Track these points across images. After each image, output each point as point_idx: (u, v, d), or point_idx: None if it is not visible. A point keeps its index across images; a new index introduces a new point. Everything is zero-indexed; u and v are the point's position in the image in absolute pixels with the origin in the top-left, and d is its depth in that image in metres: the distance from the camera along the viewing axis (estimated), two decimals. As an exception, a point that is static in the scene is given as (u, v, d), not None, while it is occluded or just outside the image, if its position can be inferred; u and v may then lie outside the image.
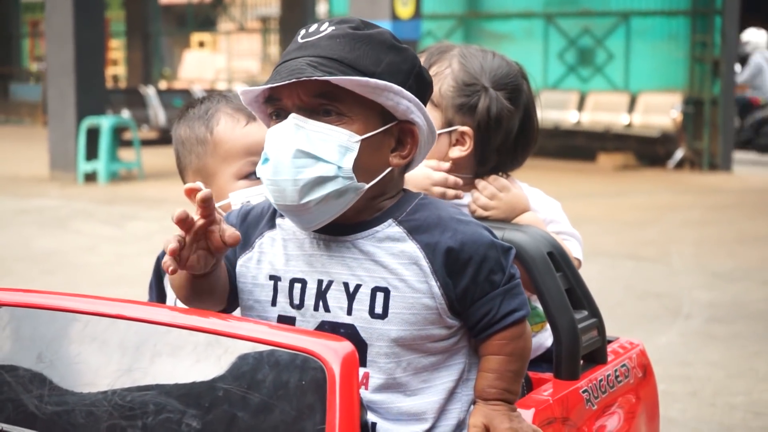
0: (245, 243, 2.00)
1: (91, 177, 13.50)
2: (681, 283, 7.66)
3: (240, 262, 2.01)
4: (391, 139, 1.93)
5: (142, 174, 13.86)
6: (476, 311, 1.93)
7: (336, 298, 1.93)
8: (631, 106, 16.08)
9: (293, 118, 1.87)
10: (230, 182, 2.36)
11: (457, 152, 2.36)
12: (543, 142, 16.26)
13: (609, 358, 2.49)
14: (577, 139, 16.49)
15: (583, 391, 2.31)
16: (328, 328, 1.93)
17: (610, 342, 2.61)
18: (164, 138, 18.45)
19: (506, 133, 2.38)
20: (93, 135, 13.43)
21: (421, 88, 1.95)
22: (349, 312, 1.92)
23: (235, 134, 2.38)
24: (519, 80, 2.43)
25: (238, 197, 2.32)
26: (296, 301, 1.96)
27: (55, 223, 10.16)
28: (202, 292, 1.94)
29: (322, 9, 22.52)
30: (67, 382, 1.84)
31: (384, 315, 1.91)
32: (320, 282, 1.94)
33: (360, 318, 1.92)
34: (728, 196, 12.68)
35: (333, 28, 1.90)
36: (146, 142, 16.63)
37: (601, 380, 2.41)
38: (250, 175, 2.34)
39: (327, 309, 1.94)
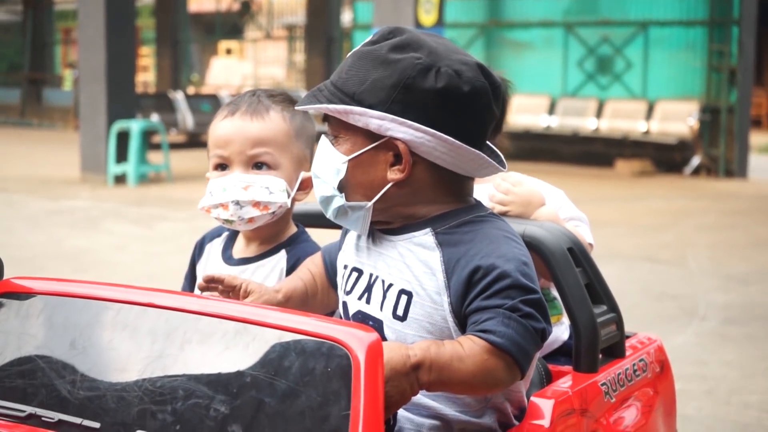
0: (343, 237, 2.14)
1: (120, 179, 13.68)
2: (696, 285, 7.72)
3: (339, 254, 2.14)
4: (389, 155, 1.92)
5: (170, 176, 14.03)
6: (467, 320, 1.87)
7: (377, 292, 1.98)
8: (649, 114, 16.16)
9: (322, 138, 2.00)
10: (210, 173, 2.43)
11: None
12: (562, 148, 16.51)
13: (627, 353, 2.50)
14: (595, 146, 16.57)
15: (602, 384, 2.32)
16: (361, 317, 1.99)
17: (628, 337, 2.61)
18: (192, 141, 18.72)
19: None
20: (123, 138, 13.63)
21: (413, 99, 1.88)
22: (381, 308, 1.96)
23: (213, 128, 2.43)
24: None
25: (207, 188, 2.39)
26: (348, 288, 2.04)
27: (86, 224, 10.31)
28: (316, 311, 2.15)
29: (347, 17, 22.75)
30: (98, 368, 1.87)
31: (404, 318, 1.93)
32: (371, 275, 2.00)
33: (386, 316, 1.95)
34: (743, 202, 12.75)
35: (364, 43, 1.97)
36: (174, 146, 16.80)
37: (619, 374, 2.41)
38: (217, 168, 2.40)
39: (368, 301, 1.99)
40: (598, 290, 2.38)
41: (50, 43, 28.23)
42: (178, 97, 18.58)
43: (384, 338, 1.91)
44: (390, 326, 1.94)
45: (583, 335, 2.29)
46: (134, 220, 10.62)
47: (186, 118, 18.17)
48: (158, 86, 24.92)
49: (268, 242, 2.45)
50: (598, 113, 16.76)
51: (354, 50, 1.96)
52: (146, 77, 28.82)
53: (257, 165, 2.37)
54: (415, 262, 1.93)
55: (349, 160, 1.93)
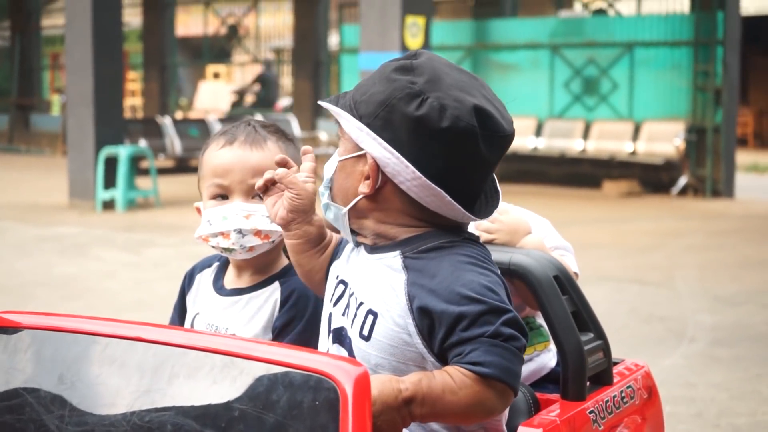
0: (340, 245, 2.18)
1: (109, 205, 13.65)
2: (685, 306, 7.74)
3: (334, 263, 2.16)
4: (365, 168, 1.95)
5: (158, 202, 14.00)
6: (448, 354, 1.87)
7: (351, 309, 2.00)
8: (636, 135, 16.19)
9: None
10: (205, 202, 2.44)
11: None
12: (549, 170, 16.56)
13: (615, 380, 2.51)
14: (582, 167, 16.60)
15: (590, 412, 2.33)
16: (344, 334, 2.01)
17: (615, 364, 2.63)
18: (180, 167, 18.69)
19: None
20: (111, 164, 13.61)
21: (392, 120, 1.90)
22: (352, 325, 1.99)
23: (209, 157, 2.43)
24: None
25: (205, 217, 2.40)
26: (335, 299, 2.07)
27: (74, 250, 10.29)
28: (306, 271, 2.19)
29: (333, 41, 22.83)
30: (87, 403, 1.87)
31: (368, 338, 1.94)
32: (350, 290, 2.04)
33: (354, 334, 1.97)
34: (731, 222, 12.78)
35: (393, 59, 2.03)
36: (163, 171, 16.76)
37: (607, 401, 2.43)
38: (216, 197, 2.41)
39: (345, 314, 2.02)
40: (584, 318, 2.40)
41: (38, 68, 28.22)
42: (166, 122, 18.57)
43: (353, 357, 1.95)
44: (357, 345, 1.96)
45: (570, 363, 2.31)
46: (123, 247, 10.61)
47: (174, 143, 18.15)
48: (146, 111, 24.94)
49: (261, 272, 2.45)
50: (585, 134, 16.79)
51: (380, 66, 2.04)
52: (134, 102, 28.82)
53: (258, 195, 2.37)
54: (383, 283, 1.95)
55: (339, 162, 2.01)
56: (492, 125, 1.91)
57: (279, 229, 2.35)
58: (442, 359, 1.89)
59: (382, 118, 1.90)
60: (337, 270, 2.12)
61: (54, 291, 8.24)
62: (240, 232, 2.36)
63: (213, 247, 2.41)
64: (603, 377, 2.46)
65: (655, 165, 15.82)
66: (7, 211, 13.29)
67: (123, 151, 13.71)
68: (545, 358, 2.59)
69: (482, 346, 1.81)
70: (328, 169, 2.05)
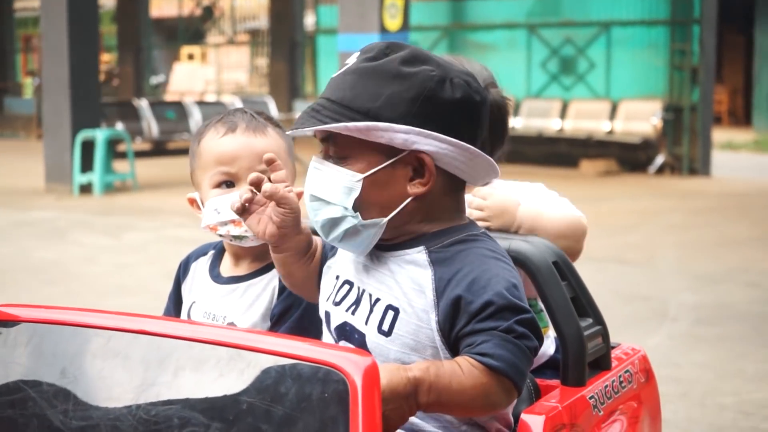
0: (334, 248, 2.12)
1: (86, 188, 13.63)
2: (666, 286, 7.77)
3: (329, 262, 2.12)
4: (407, 169, 1.92)
5: (136, 185, 13.97)
6: (460, 343, 1.87)
7: (364, 306, 1.98)
8: (613, 114, 16.27)
9: (312, 161, 1.96)
10: (207, 191, 2.41)
11: None
12: (526, 149, 16.60)
13: (613, 365, 2.51)
14: (560, 146, 16.64)
15: (590, 398, 2.33)
16: (348, 329, 1.99)
17: (612, 348, 2.62)
18: (157, 149, 18.65)
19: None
20: (88, 147, 13.58)
21: (434, 111, 1.89)
22: (366, 322, 1.96)
23: (210, 145, 2.41)
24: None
25: (211, 206, 2.38)
26: (338, 299, 2.03)
27: (53, 235, 10.26)
28: (299, 281, 2.12)
29: (309, 21, 22.75)
30: (91, 397, 1.85)
31: (388, 333, 1.93)
32: (359, 288, 2.00)
33: (371, 330, 1.95)
34: (708, 200, 12.86)
35: (354, 60, 1.95)
36: (140, 154, 16.76)
37: (606, 386, 2.42)
38: (221, 184, 2.39)
39: (354, 313, 1.99)
40: (583, 303, 2.40)
41: (11, 51, 27.99)
42: (143, 104, 18.49)
43: (367, 352, 1.89)
44: (374, 341, 1.94)
45: (570, 349, 2.30)
46: (102, 231, 10.57)
47: (151, 125, 18.09)
48: (121, 93, 24.79)
49: (259, 260, 2.44)
50: (562, 114, 16.85)
51: (350, 68, 1.94)
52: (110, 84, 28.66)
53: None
54: (406, 279, 1.93)
55: (365, 178, 1.91)
56: (485, 90, 2.02)
57: None
58: (455, 351, 1.89)
59: (421, 113, 1.88)
60: (336, 270, 2.09)
61: (34, 276, 8.21)
62: None
63: (221, 235, 2.39)
64: (602, 362, 2.46)
65: (633, 144, 15.89)
66: (-17, 196, 13.22)
67: (100, 135, 13.67)
68: (545, 345, 2.58)
69: (494, 339, 1.81)
70: (339, 193, 1.93)
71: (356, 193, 1.91)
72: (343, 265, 2.07)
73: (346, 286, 2.03)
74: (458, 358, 1.83)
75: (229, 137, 2.39)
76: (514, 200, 2.47)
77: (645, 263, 8.69)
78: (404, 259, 1.95)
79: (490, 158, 1.96)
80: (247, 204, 2.04)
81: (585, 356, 2.32)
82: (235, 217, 2.32)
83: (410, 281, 1.93)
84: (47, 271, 8.44)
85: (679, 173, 15.54)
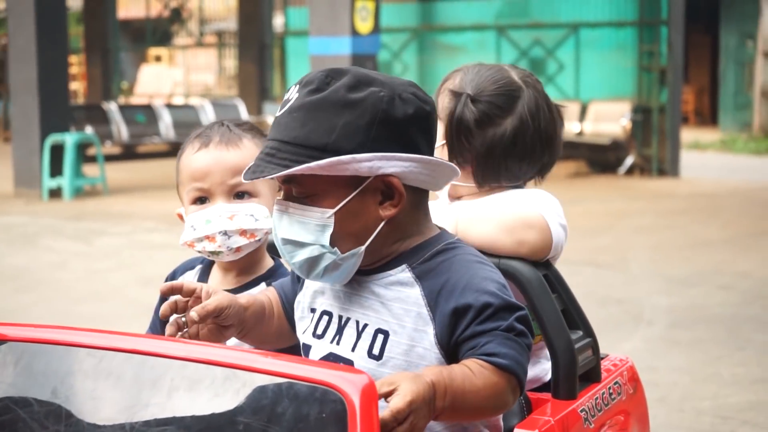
0: (299, 280, 2.10)
1: (56, 193, 13.55)
2: (640, 289, 7.78)
3: (297, 297, 2.09)
4: (376, 194, 1.90)
5: (106, 189, 13.90)
6: (461, 347, 1.88)
7: (349, 333, 1.96)
8: (582, 115, 16.32)
9: (276, 204, 1.94)
10: (187, 207, 2.41)
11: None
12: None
13: (602, 376, 2.50)
14: (529, 147, 16.84)
15: (581, 411, 2.32)
16: (332, 359, 1.97)
17: (601, 359, 2.59)
18: (127, 153, 18.56)
19: (487, 139, 2.32)
20: (57, 151, 13.50)
21: (391, 132, 1.88)
22: (353, 349, 1.95)
23: (186, 161, 2.41)
24: (513, 87, 2.35)
25: (188, 222, 2.38)
26: (319, 332, 2.01)
27: (23, 240, 10.18)
28: (273, 339, 2.09)
29: (278, 23, 22.69)
30: (83, 417, 1.82)
31: (379, 357, 1.92)
32: (341, 317, 1.98)
33: (360, 356, 1.94)
34: (678, 202, 12.92)
35: (296, 96, 1.91)
36: (110, 158, 16.67)
37: (596, 398, 2.42)
38: (196, 201, 2.39)
39: (338, 343, 1.97)
40: (573, 315, 2.40)
41: (-22, 53, 27.74)
42: (112, 107, 18.39)
43: None
44: (363, 366, 1.92)
45: (561, 362, 2.30)
46: (73, 236, 10.50)
47: (120, 129, 17.99)
48: (89, 96, 24.63)
49: (246, 273, 2.44)
50: (532, 115, 16.92)
51: (295, 104, 1.89)
52: (76, 87, 28.46)
53: (238, 194, 2.37)
54: (394, 301, 1.93)
55: (336, 213, 1.89)
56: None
57: (264, 226, 2.34)
58: (453, 357, 1.89)
59: (378, 138, 1.86)
60: (309, 303, 2.06)
61: (5, 283, 8.14)
62: (225, 233, 2.34)
63: (199, 252, 2.39)
64: (592, 375, 2.46)
65: (602, 145, 15.95)
66: (-50, 201, 13.13)
67: (69, 139, 13.61)
68: (542, 371, 2.52)
69: (497, 339, 1.84)
70: (313, 232, 1.91)
71: (330, 229, 1.89)
72: (317, 296, 2.05)
73: (326, 317, 2.02)
74: (466, 361, 1.84)
75: (203, 152, 2.38)
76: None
77: (617, 266, 8.71)
78: (388, 281, 1.94)
79: (447, 162, 1.97)
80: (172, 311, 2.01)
81: (576, 369, 2.32)
82: (209, 232, 2.34)
83: (399, 302, 1.92)
84: (18, 277, 8.37)
85: (649, 174, 15.62)
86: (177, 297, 2.03)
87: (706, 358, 5.95)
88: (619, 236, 10.33)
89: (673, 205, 12.58)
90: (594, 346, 2.44)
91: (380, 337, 1.92)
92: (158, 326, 2.53)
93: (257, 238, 2.36)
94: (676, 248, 9.57)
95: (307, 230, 1.91)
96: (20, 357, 1.92)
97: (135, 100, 24.11)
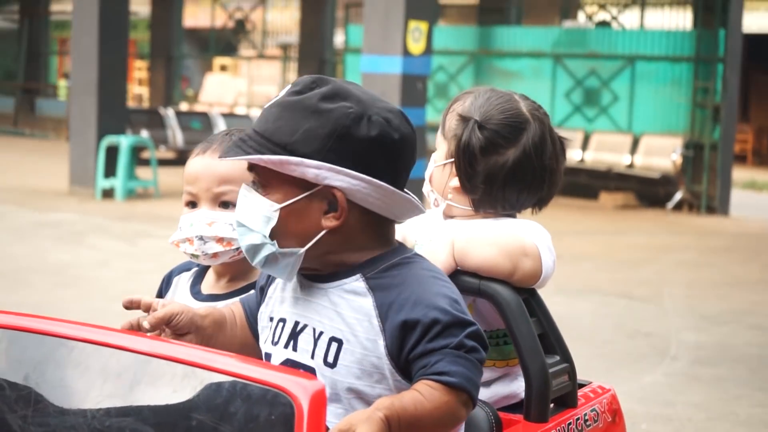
0: (263, 292, 2.14)
1: (108, 193, 13.76)
2: (670, 324, 7.75)
3: (261, 308, 2.14)
4: (323, 203, 1.94)
5: (157, 193, 14.10)
6: (413, 365, 1.91)
7: (306, 340, 1.99)
8: (634, 148, 16.29)
9: (242, 188, 2.01)
10: (182, 208, 2.48)
11: (454, 182, 2.40)
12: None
13: (579, 402, 2.50)
14: (580, 177, 16.61)
15: None
16: (291, 366, 1.99)
17: (582, 386, 2.63)
18: (181, 158, 18.76)
19: (489, 167, 2.35)
20: (112, 153, 13.71)
21: (348, 148, 1.92)
22: (312, 356, 1.98)
23: (186, 165, 2.49)
24: (520, 119, 2.39)
25: (180, 222, 2.45)
26: (275, 339, 2.05)
27: (71, 238, 10.35)
28: (237, 348, 2.11)
29: (339, 39, 22.90)
30: (50, 404, 1.87)
31: (333, 365, 1.96)
32: (296, 323, 2.02)
33: (318, 363, 1.98)
34: (723, 239, 12.83)
35: (283, 93, 1.99)
36: (163, 162, 16.83)
37: (570, 423, 2.42)
38: (188, 204, 2.47)
39: (295, 349, 2.01)
40: (551, 340, 2.41)
41: (45, 53, 28.37)
42: (169, 113, 18.68)
43: None
44: (321, 373, 1.96)
45: (534, 384, 2.32)
46: (119, 236, 10.66)
47: (176, 135, 18.27)
48: (151, 101, 25.02)
49: (238, 279, 2.49)
50: (584, 145, 16.89)
51: (277, 100, 1.98)
52: (141, 91, 28.94)
53: (223, 203, 2.43)
54: (347, 309, 1.96)
55: (282, 209, 1.95)
56: (412, 125, 2.02)
57: None
58: (406, 374, 1.93)
59: (335, 150, 1.90)
60: (269, 313, 2.11)
61: (47, 278, 8.29)
62: (202, 238, 2.40)
63: (183, 252, 2.46)
64: (567, 400, 2.47)
65: (652, 179, 15.90)
66: (7, 195, 13.36)
67: (124, 141, 13.80)
68: (518, 384, 2.54)
69: (447, 357, 1.86)
70: (258, 220, 1.98)
71: (273, 223, 1.95)
72: (272, 306, 2.10)
73: (281, 324, 2.06)
74: (416, 385, 1.87)
75: (198, 158, 2.46)
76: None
77: (652, 299, 8.68)
78: (343, 289, 1.98)
79: (408, 196, 1.99)
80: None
81: (548, 392, 2.34)
82: (189, 235, 2.41)
83: (352, 311, 1.96)
84: (61, 273, 8.53)
85: (697, 211, 15.53)
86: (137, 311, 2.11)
87: (724, 396, 5.92)
88: (657, 270, 10.29)
89: (716, 243, 12.50)
90: (571, 371, 2.45)
91: (334, 345, 1.96)
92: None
93: (234, 247, 2.41)
94: (712, 286, 9.53)
95: (255, 218, 1.97)
96: (0, 342, 1.99)
97: (198, 108, 24.43)
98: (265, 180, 1.97)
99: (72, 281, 8.23)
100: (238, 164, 2.40)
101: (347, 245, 1.98)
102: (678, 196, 15.63)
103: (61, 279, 8.28)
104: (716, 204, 15.46)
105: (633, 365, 6.41)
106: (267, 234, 1.96)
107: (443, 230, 2.39)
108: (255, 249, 1.99)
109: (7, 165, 17.63)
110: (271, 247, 1.96)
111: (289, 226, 1.96)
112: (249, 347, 2.19)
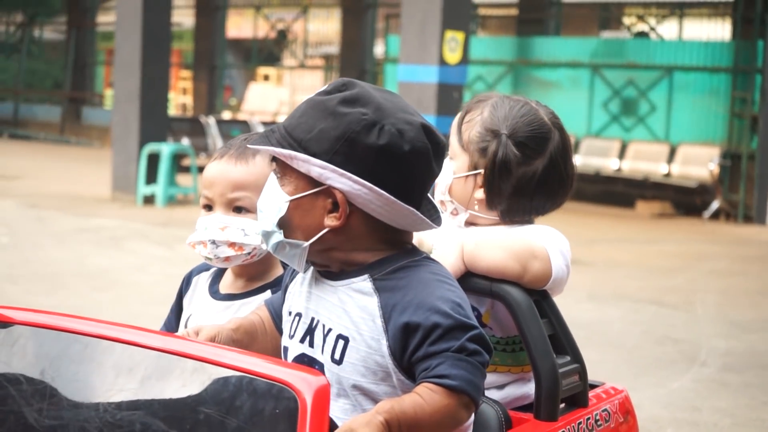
0: (286, 290, 2.19)
1: (149, 199, 13.94)
2: (700, 330, 7.73)
3: (283, 307, 2.19)
4: (327, 202, 1.98)
5: (197, 199, 14.09)
6: (415, 368, 1.94)
7: (319, 336, 2.04)
8: (671, 157, 16.29)
9: (271, 174, 2.06)
10: (200, 211, 2.54)
11: (480, 194, 2.42)
12: (584, 187, 16.64)
13: (591, 402, 2.52)
14: (617, 186, 16.68)
15: None
16: (307, 361, 2.04)
17: (594, 387, 2.64)
18: (221, 166, 19.04)
19: (518, 178, 2.38)
20: (153, 160, 13.90)
21: (355, 153, 1.94)
22: (323, 352, 2.03)
23: (205, 168, 2.54)
24: (545, 130, 2.41)
25: (197, 225, 2.51)
26: (291, 332, 2.10)
27: (110, 243, 10.49)
28: (271, 352, 2.17)
29: (379, 50, 23.04)
30: (64, 398, 1.93)
31: (340, 362, 2.00)
32: (312, 319, 2.06)
33: (326, 359, 2.02)
34: (758, 248, 12.80)
35: (318, 92, 2.04)
36: (203, 169, 17.17)
37: (580, 423, 2.44)
38: (205, 207, 2.52)
39: (311, 344, 2.05)
40: (562, 341, 2.44)
41: (91, 63, 28.77)
42: (210, 122, 18.92)
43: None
44: (329, 369, 2.01)
45: (544, 384, 2.35)
46: (158, 241, 10.78)
47: (216, 142, 18.46)
48: (195, 110, 25.32)
49: (255, 280, 2.53)
50: (621, 154, 16.89)
51: (309, 97, 2.04)
52: (185, 100, 29.29)
53: (237, 208, 2.47)
54: (354, 308, 2.00)
55: (290, 201, 2.00)
56: (435, 138, 2.01)
57: (252, 242, 2.44)
58: (410, 374, 1.97)
59: (343, 153, 1.94)
60: (288, 308, 2.16)
61: (85, 281, 8.41)
62: (214, 242, 2.45)
63: (199, 254, 2.52)
64: (578, 399, 2.49)
65: (689, 188, 15.90)
66: (51, 201, 13.55)
67: (165, 148, 13.99)
68: (532, 386, 2.53)
69: (448, 360, 1.89)
70: (272, 208, 2.04)
71: (282, 213, 2.01)
72: (292, 301, 2.15)
73: (297, 318, 2.10)
74: (417, 388, 1.90)
75: (215, 163, 2.51)
76: (427, 246, 2.41)
77: (682, 307, 8.67)
78: (351, 288, 2.01)
79: (412, 210, 1.99)
80: None
81: (558, 391, 2.36)
82: (203, 238, 2.47)
83: (358, 309, 1.99)
84: (99, 277, 8.65)
85: (734, 220, 15.49)
86: None
87: (752, 402, 5.90)
88: (690, 278, 10.26)
89: (751, 251, 12.46)
90: (582, 372, 2.47)
91: (341, 342, 2.00)
92: (172, 323, 2.68)
93: (245, 252, 2.45)
94: (744, 293, 9.49)
95: (270, 205, 2.04)
96: (18, 339, 2.06)
97: (240, 117, 24.68)
98: (281, 171, 2.03)
99: (109, 285, 8.34)
100: (254, 170, 2.47)
101: (352, 245, 2.02)
102: (715, 205, 15.59)
103: (99, 283, 8.40)
104: (753, 213, 15.41)
105: (661, 371, 6.41)
106: (275, 222, 2.02)
107: (453, 234, 2.43)
108: (267, 235, 2.06)
109: (53, 172, 17.86)
110: (278, 236, 2.03)
111: (296, 219, 2.01)
112: (281, 349, 2.24)
